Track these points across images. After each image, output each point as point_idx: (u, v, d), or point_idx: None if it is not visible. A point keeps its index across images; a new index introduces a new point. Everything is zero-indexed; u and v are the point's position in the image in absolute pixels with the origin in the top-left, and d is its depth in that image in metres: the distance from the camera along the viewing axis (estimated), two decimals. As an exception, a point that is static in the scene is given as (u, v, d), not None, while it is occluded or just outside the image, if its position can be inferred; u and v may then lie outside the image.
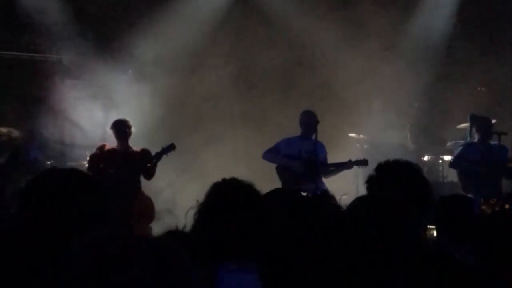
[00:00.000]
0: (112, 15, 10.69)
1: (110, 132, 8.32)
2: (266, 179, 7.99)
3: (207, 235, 2.52)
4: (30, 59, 10.79)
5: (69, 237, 2.04)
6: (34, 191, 2.26)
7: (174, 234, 2.81)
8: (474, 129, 8.86)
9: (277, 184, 8.14)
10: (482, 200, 3.95)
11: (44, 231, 2.20)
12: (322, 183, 8.32)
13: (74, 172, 2.40)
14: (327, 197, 3.69)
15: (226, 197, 2.58)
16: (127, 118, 8.37)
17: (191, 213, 2.60)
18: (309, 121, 8.32)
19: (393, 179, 3.07)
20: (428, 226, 4.47)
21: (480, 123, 8.79)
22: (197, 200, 2.59)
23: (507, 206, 3.92)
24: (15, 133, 9.84)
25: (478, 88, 10.86)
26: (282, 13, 11.40)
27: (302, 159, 8.27)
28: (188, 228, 2.66)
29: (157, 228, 8.15)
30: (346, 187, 8.69)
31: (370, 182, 3.15)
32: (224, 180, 2.65)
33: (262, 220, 2.53)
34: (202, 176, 7.77)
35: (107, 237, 1.30)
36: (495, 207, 3.99)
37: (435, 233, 4.12)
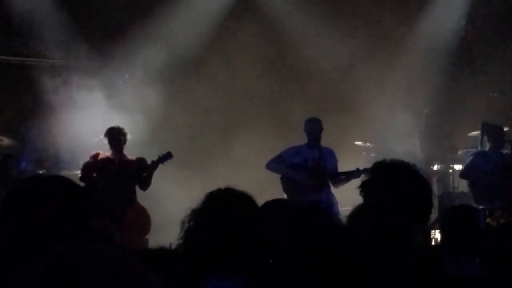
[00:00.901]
0: (110, 18, 10.74)
1: (104, 140, 8.26)
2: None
3: (197, 245, 2.52)
4: (21, 64, 10.81)
5: (45, 246, 1.99)
6: (14, 198, 2.22)
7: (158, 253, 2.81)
8: (485, 138, 8.82)
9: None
10: (487, 212, 3.91)
11: (22, 238, 2.16)
12: (329, 193, 8.27)
13: (57, 178, 2.36)
14: (321, 208, 3.68)
15: (218, 207, 2.57)
16: (122, 126, 8.33)
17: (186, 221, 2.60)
18: (312, 129, 8.25)
19: (389, 181, 2.95)
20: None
21: (491, 131, 8.79)
22: (189, 208, 2.60)
23: (512, 218, 3.90)
24: (6, 141, 9.85)
25: (491, 94, 10.81)
26: (292, 20, 11.46)
27: (307, 169, 8.19)
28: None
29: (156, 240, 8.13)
30: (355, 197, 8.63)
31: (365, 186, 3.02)
32: (218, 190, 2.64)
33: (255, 232, 2.53)
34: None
35: (69, 250, 1.30)
36: (500, 220, 3.95)
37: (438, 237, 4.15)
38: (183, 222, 2.59)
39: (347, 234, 2.51)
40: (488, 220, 3.96)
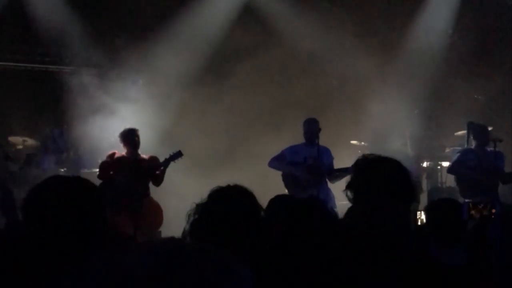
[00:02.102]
0: (129, 25, 10.70)
1: (120, 141, 8.26)
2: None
3: (201, 238, 2.52)
4: (44, 71, 10.86)
5: (70, 244, 2.15)
6: (36, 198, 2.23)
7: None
8: (471, 136, 8.85)
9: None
10: (470, 205, 3.93)
11: (45, 237, 2.18)
12: (327, 188, 8.25)
13: (76, 180, 2.36)
14: (319, 203, 3.64)
15: (219, 202, 2.59)
16: (137, 127, 8.34)
17: (191, 214, 2.62)
18: (310, 128, 8.27)
19: (373, 177, 2.93)
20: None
21: (477, 130, 8.80)
22: (194, 203, 2.61)
23: (493, 210, 3.93)
24: (30, 142, 9.92)
25: (475, 97, 10.85)
26: (285, 18, 11.45)
27: (306, 166, 8.19)
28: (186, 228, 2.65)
29: (168, 232, 8.13)
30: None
31: (352, 184, 3.00)
32: (220, 186, 2.67)
33: (254, 225, 2.49)
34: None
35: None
36: (483, 212, 3.98)
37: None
38: (188, 216, 2.61)
39: (343, 226, 2.48)
40: (472, 212, 3.96)
